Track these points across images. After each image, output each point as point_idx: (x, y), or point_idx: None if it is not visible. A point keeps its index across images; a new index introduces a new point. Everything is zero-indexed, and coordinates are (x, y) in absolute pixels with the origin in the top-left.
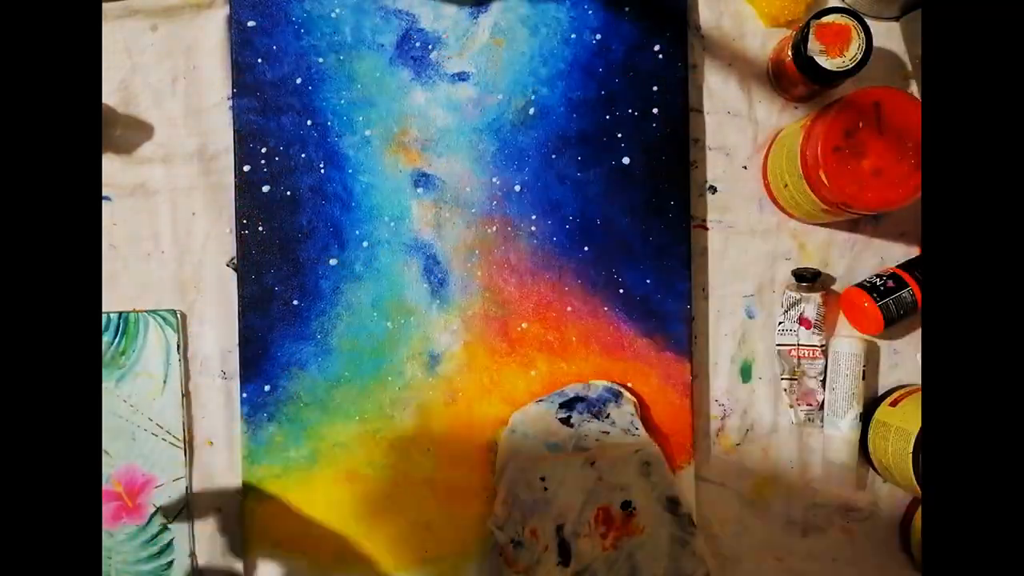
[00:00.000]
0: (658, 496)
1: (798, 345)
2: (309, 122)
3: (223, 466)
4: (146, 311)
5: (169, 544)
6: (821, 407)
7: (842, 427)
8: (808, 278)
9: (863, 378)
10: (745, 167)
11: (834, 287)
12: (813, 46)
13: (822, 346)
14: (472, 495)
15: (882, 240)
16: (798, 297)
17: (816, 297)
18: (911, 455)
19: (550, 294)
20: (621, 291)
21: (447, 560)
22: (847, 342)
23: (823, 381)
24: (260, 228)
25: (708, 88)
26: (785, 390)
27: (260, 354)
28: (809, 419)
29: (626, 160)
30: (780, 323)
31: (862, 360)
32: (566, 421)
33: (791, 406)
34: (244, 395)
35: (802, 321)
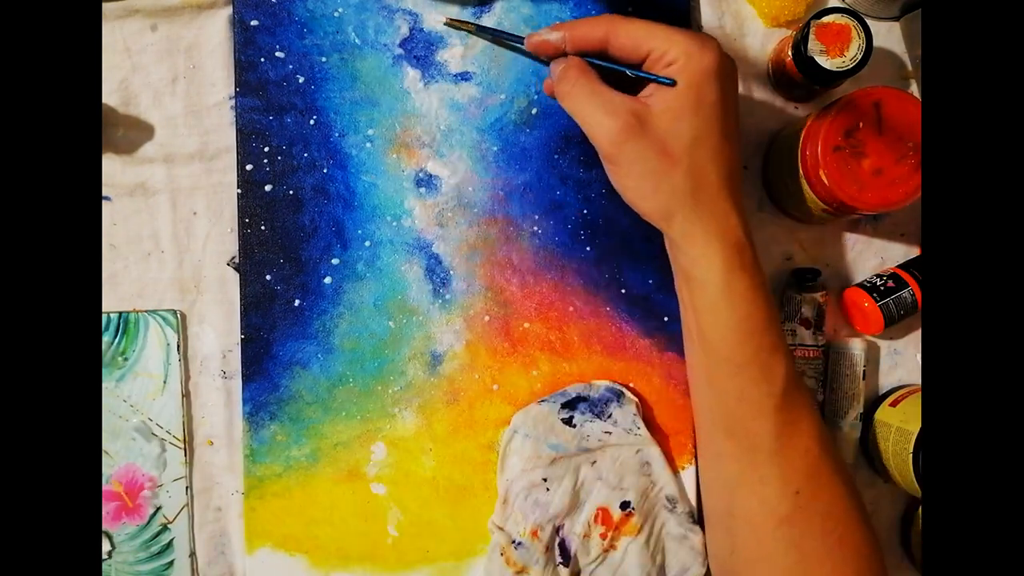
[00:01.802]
0: (657, 495)
1: (798, 345)
2: (312, 121)
3: (223, 466)
4: (146, 311)
5: (169, 544)
6: (821, 407)
7: (843, 427)
8: (808, 278)
9: (863, 378)
10: (745, 167)
11: (834, 287)
12: (813, 46)
13: (822, 346)
14: (473, 495)
15: (882, 240)
16: (798, 297)
17: (816, 297)
18: (911, 455)
19: (552, 294)
20: (623, 291)
21: (448, 560)
22: (847, 342)
23: (823, 381)
24: (262, 227)
25: None
26: None
27: (262, 353)
28: None
29: None
30: (780, 323)
31: (862, 360)
32: (568, 421)
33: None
34: (246, 394)
35: (802, 321)
